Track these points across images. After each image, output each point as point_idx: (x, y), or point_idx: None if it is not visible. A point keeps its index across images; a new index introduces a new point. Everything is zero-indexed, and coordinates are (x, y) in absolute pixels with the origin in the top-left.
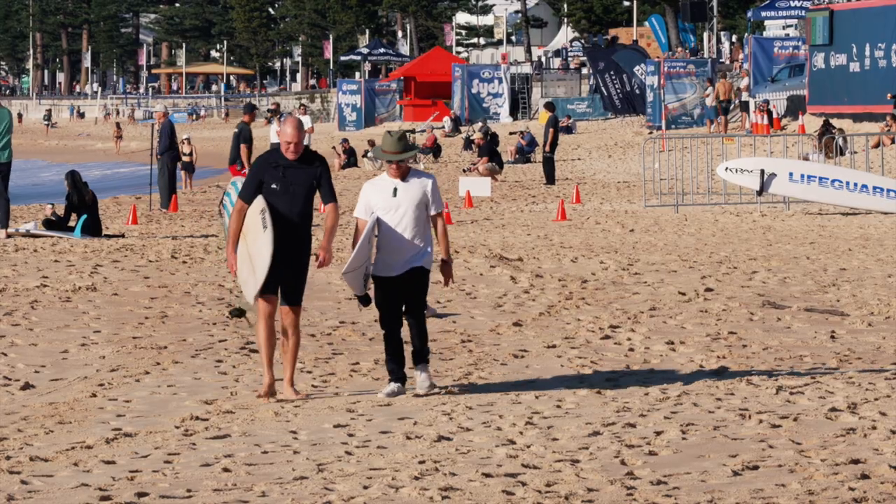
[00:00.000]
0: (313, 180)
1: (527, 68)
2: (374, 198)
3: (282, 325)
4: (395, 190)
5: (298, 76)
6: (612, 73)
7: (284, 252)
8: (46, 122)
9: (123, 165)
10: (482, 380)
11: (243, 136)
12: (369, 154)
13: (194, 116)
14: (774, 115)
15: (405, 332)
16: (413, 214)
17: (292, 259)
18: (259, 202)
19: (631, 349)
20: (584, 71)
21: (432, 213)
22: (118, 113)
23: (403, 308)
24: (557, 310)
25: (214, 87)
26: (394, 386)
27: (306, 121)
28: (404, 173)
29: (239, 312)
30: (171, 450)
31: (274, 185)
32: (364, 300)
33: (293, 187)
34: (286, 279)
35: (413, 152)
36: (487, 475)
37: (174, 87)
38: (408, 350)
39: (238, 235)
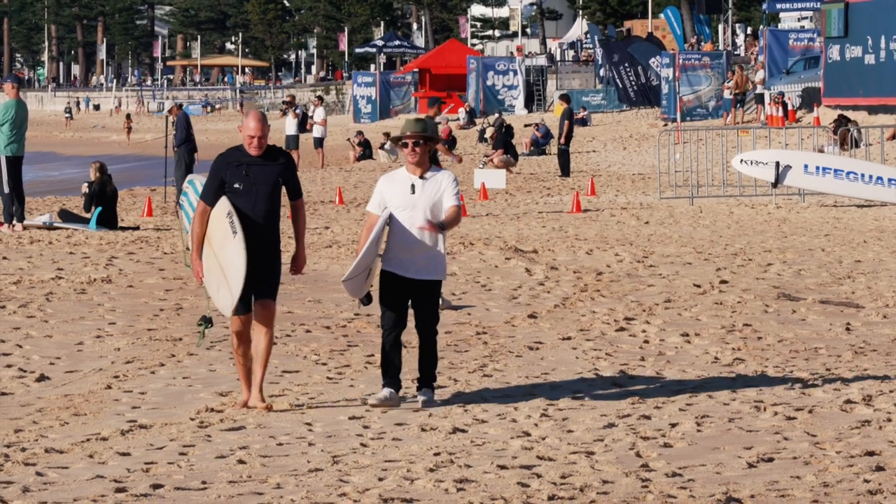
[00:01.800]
0: (278, 177)
1: (542, 60)
2: (389, 193)
3: (252, 324)
4: (413, 187)
5: (313, 68)
6: (626, 65)
7: (253, 253)
8: (68, 115)
9: (137, 158)
10: (497, 372)
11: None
12: (386, 146)
13: (209, 108)
14: (789, 108)
15: (409, 335)
16: (430, 215)
17: (262, 258)
18: (224, 204)
19: (646, 341)
20: (600, 61)
21: (447, 204)
22: (119, 104)
23: (415, 321)
24: (572, 302)
25: (240, 79)
26: (386, 392)
27: (320, 113)
28: (424, 170)
29: (208, 322)
30: (186, 442)
31: (237, 185)
32: (365, 299)
33: (257, 186)
34: (258, 277)
35: (430, 133)
36: (503, 467)
37: (197, 78)
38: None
39: (202, 241)
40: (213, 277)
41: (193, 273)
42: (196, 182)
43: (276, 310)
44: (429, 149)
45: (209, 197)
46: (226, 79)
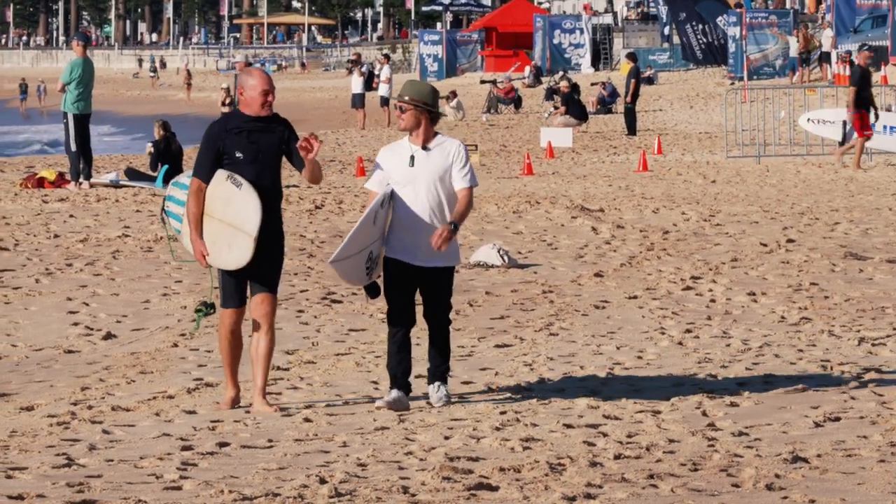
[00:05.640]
0: (282, 145)
1: (608, 19)
2: (388, 166)
3: (252, 321)
4: (413, 158)
5: (380, 26)
6: (693, 23)
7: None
8: (153, 74)
9: (198, 116)
10: (563, 330)
11: (853, 79)
12: (452, 103)
13: (276, 67)
14: None
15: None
16: (434, 191)
17: (265, 240)
18: (220, 174)
19: (712, 300)
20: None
21: (457, 187)
22: (181, 65)
23: (423, 309)
24: (639, 261)
25: (319, 38)
26: (396, 394)
27: (386, 71)
28: (426, 139)
29: (209, 308)
30: (252, 400)
31: (239, 154)
32: (371, 290)
33: (262, 155)
34: (258, 264)
35: (423, 99)
36: (569, 426)
37: (280, 36)
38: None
39: (200, 220)
40: (223, 242)
41: (195, 255)
42: (184, 180)
43: (276, 305)
44: (426, 117)
45: (204, 172)
46: (276, 37)
